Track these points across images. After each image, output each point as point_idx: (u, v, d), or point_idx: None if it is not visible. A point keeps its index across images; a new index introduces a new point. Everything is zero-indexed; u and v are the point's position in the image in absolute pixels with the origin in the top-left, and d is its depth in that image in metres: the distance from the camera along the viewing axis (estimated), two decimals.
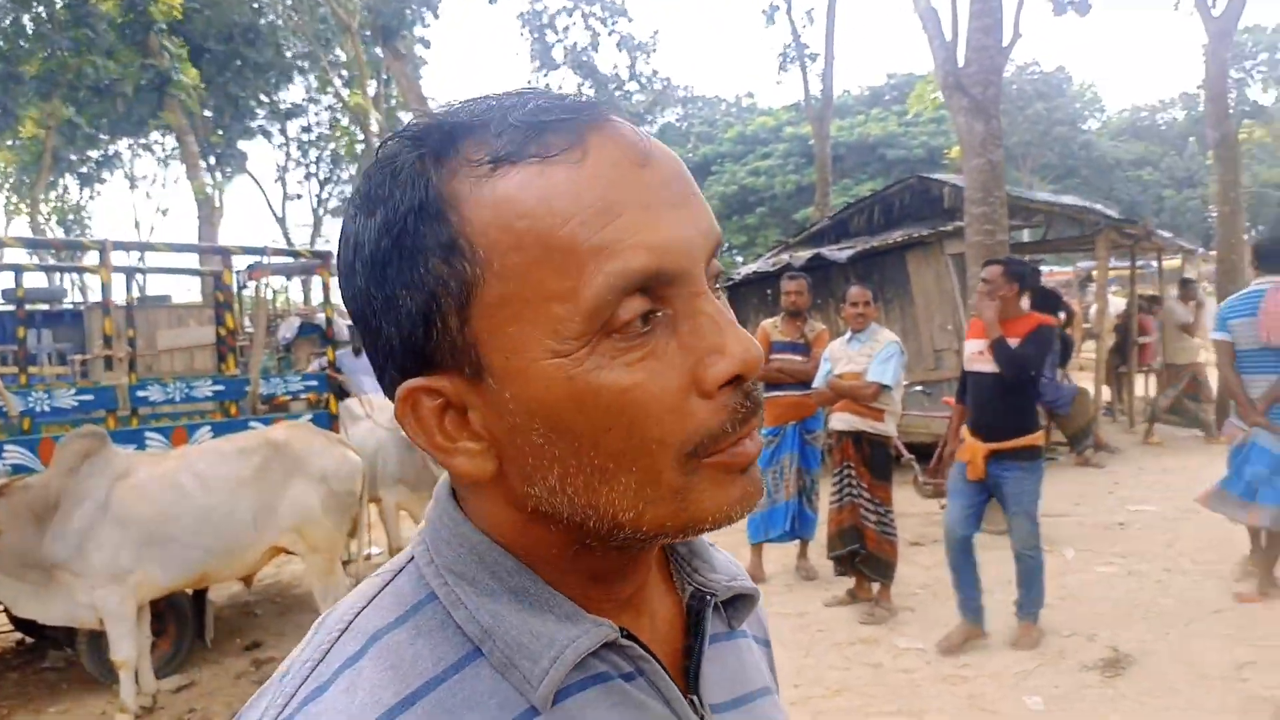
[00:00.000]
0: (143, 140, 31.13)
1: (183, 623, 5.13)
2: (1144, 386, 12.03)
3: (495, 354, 0.54)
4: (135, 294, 8.48)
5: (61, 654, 5.30)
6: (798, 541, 6.19)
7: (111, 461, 4.43)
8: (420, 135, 0.57)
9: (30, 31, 20.09)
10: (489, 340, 0.54)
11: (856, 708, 4.21)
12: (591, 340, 0.53)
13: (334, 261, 5.84)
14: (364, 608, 0.60)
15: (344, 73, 25.02)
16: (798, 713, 4.19)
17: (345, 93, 22.47)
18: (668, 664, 0.63)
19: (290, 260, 9.17)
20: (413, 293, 0.55)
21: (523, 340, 0.53)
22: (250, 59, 24.05)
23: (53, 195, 33.68)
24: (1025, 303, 10.35)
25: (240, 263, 7.48)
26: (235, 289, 7.50)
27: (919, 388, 8.82)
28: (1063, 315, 10.70)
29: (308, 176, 36.11)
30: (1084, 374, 12.10)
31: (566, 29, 27.76)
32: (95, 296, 16.28)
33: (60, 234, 33.13)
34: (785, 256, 11.03)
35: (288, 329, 12.04)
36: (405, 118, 26.57)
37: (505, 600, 0.58)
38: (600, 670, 0.60)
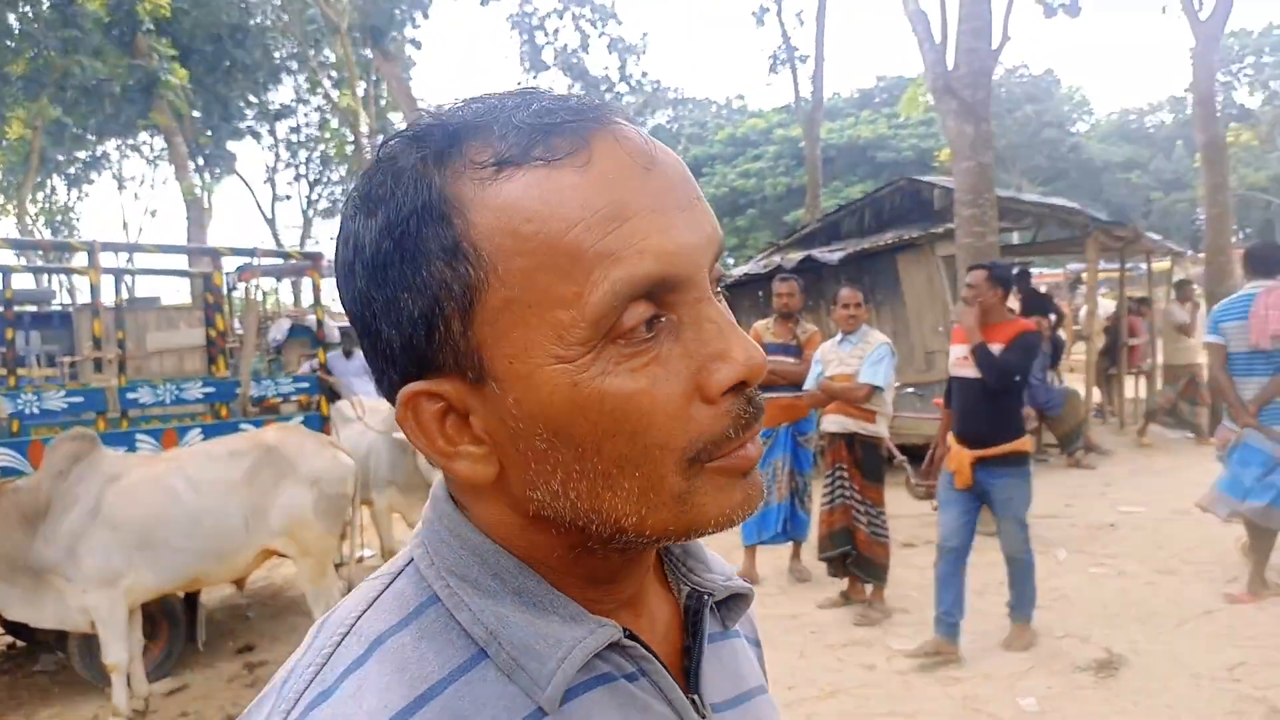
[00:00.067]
0: (131, 141, 31.03)
1: (174, 626, 5.10)
2: (1134, 388, 12.09)
3: (499, 358, 0.54)
4: (124, 296, 8.44)
5: (53, 658, 5.27)
6: (791, 543, 6.20)
7: (102, 464, 4.40)
8: (422, 135, 0.56)
9: (17, 31, 19.99)
10: (492, 345, 0.54)
11: (850, 709, 4.21)
12: (596, 346, 0.53)
13: (324, 263, 5.84)
14: (365, 611, 0.59)
15: (333, 74, 24.96)
16: (791, 714, 4.20)
17: (335, 94, 22.41)
18: (667, 664, 0.63)
19: (281, 262, 9.14)
20: (414, 296, 0.54)
21: (527, 345, 0.53)
22: (239, 59, 23.98)
23: (40, 196, 33.52)
24: (1017, 304, 10.40)
25: (230, 264, 7.44)
26: (225, 290, 7.46)
27: (910, 389, 8.84)
28: (1053, 317, 10.76)
29: (297, 178, 36.07)
30: (1074, 376, 12.16)
31: (557, 31, 27.74)
32: (84, 298, 16.21)
33: (48, 235, 32.97)
34: (777, 258, 11.05)
35: (278, 331, 12.00)
36: (395, 118, 26.57)
37: (508, 602, 0.58)
38: (604, 671, 0.60)
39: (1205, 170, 12.40)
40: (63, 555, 4.22)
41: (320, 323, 6.81)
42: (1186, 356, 10.20)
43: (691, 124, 46.66)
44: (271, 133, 33.70)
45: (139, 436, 5.35)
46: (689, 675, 0.66)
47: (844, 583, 5.63)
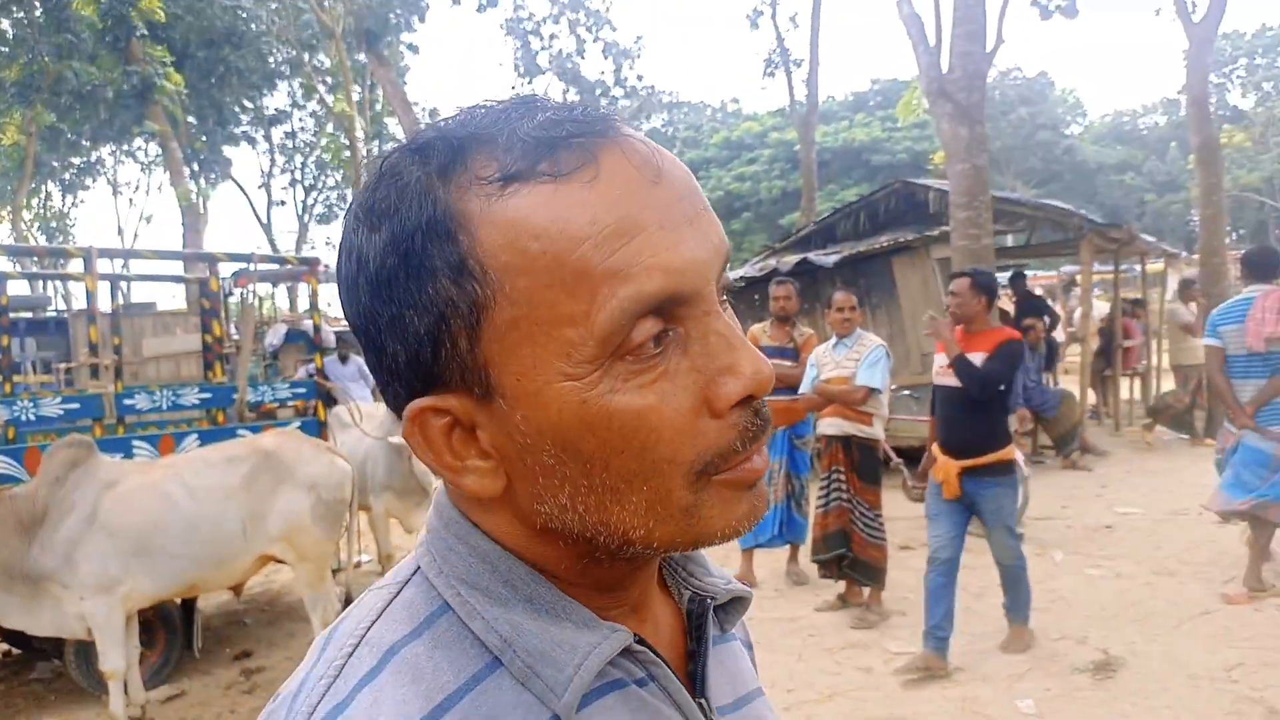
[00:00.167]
0: (126, 146, 30.98)
1: (172, 633, 5.09)
2: (1129, 390, 12.11)
3: (506, 376, 0.54)
4: (120, 301, 8.42)
5: (50, 665, 5.25)
6: (788, 546, 6.20)
7: (98, 471, 4.39)
8: (424, 148, 0.55)
9: (10, 36, 19.97)
10: (500, 362, 0.54)
11: (848, 712, 4.21)
12: (604, 364, 0.52)
13: (321, 268, 5.83)
14: (375, 621, 0.58)
15: (328, 79, 24.95)
16: (790, 717, 4.20)
17: (330, 99, 22.40)
18: (673, 669, 0.63)
19: (277, 267, 9.12)
20: (420, 313, 0.54)
21: (535, 363, 0.53)
22: (234, 65, 23.96)
23: (35, 202, 33.44)
24: (1012, 306, 10.42)
25: (227, 270, 7.43)
26: (222, 296, 7.45)
27: (906, 392, 8.85)
28: (1048, 319, 10.79)
29: (293, 183, 36.04)
30: (1069, 378, 12.19)
31: (553, 37, 27.76)
32: (79, 304, 16.18)
33: (43, 241, 32.90)
34: (772, 262, 11.07)
35: (274, 336, 11.99)
36: (390, 123, 26.58)
37: (520, 609, 0.58)
38: (616, 677, 0.59)
39: (1199, 172, 12.43)
40: (60, 562, 4.21)
41: (317, 328, 6.81)
42: (1193, 356, 10.17)
43: (686, 128, 46.73)
44: (267, 138, 33.71)
45: (136, 443, 5.34)
46: (694, 679, 0.66)
47: (841, 586, 5.64)
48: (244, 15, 23.26)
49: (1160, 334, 13.00)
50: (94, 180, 34.68)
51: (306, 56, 23.84)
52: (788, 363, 5.85)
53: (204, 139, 26.93)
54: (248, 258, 6.73)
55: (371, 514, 6.31)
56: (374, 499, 6.20)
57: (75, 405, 5.43)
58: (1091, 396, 11.28)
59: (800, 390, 5.58)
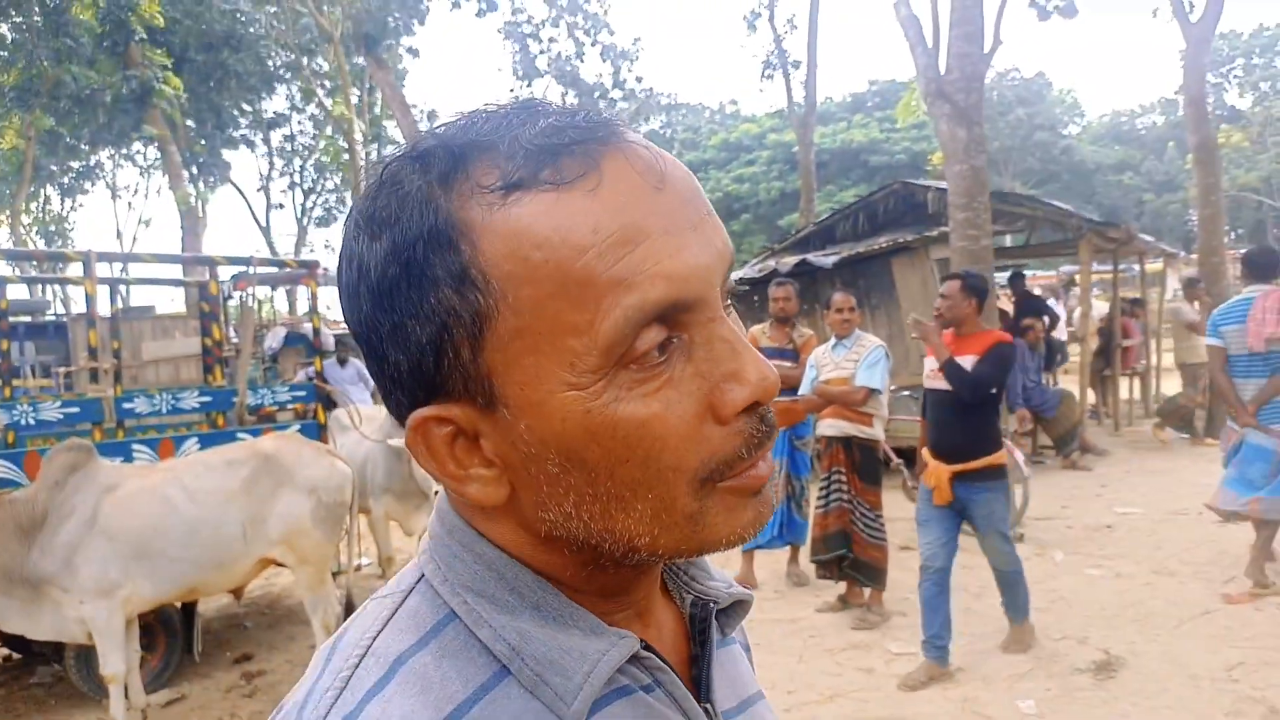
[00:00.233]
0: (125, 150, 30.99)
1: (172, 637, 5.08)
2: (1128, 389, 12.12)
3: (510, 385, 0.53)
4: (119, 305, 8.42)
5: (50, 669, 5.24)
6: (788, 547, 6.20)
7: (98, 475, 4.39)
8: (425, 155, 0.55)
9: (9, 41, 19.98)
10: (503, 372, 0.53)
11: (849, 713, 4.21)
12: (608, 373, 0.52)
13: (320, 271, 5.83)
14: (381, 630, 0.58)
15: (326, 83, 24.96)
16: (791, 718, 4.20)
17: (328, 102, 22.40)
18: (677, 671, 0.63)
19: (276, 270, 9.12)
20: (422, 322, 0.53)
21: (538, 372, 0.52)
22: (233, 68, 23.98)
23: (34, 206, 33.45)
24: (1011, 306, 10.41)
25: (226, 273, 7.43)
26: (221, 299, 7.45)
27: (906, 392, 8.85)
28: (1047, 319, 10.79)
29: (292, 186, 36.05)
30: (1069, 377, 12.19)
31: (551, 40, 27.78)
32: (78, 308, 16.19)
33: (41, 245, 32.89)
34: (772, 263, 11.08)
35: (274, 339, 12.00)
36: (389, 126, 26.58)
37: (528, 616, 0.57)
38: (623, 684, 0.59)
39: (1197, 171, 12.44)
40: (59, 566, 4.20)
41: (317, 331, 6.81)
42: (1198, 354, 10.14)
43: (685, 129, 46.76)
44: (266, 141, 33.73)
45: (135, 446, 5.34)
46: (698, 684, 0.66)
47: (841, 586, 5.64)
48: (242, 19, 23.28)
49: (1159, 333, 13.01)
50: (93, 184, 34.73)
51: (305, 60, 23.85)
52: (787, 364, 5.86)
53: (203, 142, 26.94)
54: (247, 261, 6.72)
55: (371, 517, 6.31)
56: (373, 502, 6.20)
57: (75, 409, 5.43)
58: (1091, 396, 11.29)
59: (800, 391, 5.58)
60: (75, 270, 6.13)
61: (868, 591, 5.46)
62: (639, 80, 29.52)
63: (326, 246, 37.57)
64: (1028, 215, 10.71)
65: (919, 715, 4.14)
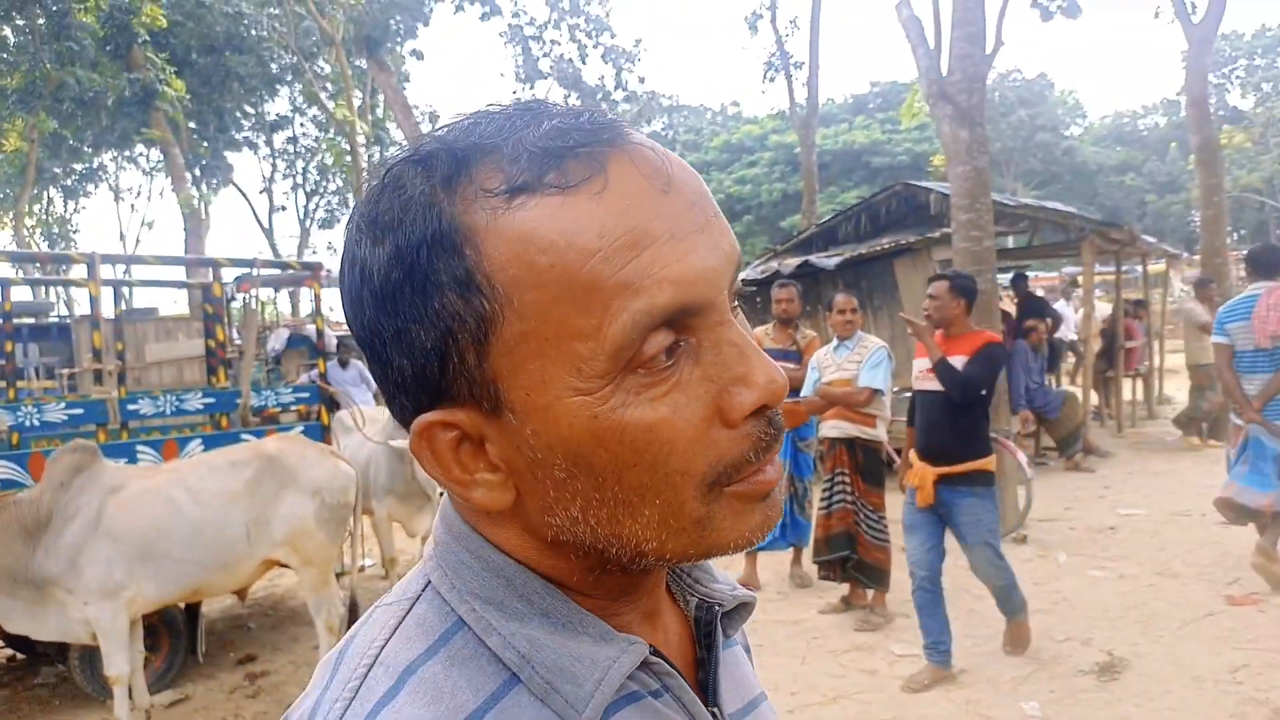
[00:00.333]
0: (127, 153, 31.04)
1: (176, 637, 5.09)
2: (1131, 391, 12.11)
3: (516, 390, 0.53)
4: (123, 307, 8.42)
5: (54, 670, 5.26)
6: (791, 549, 6.20)
7: (102, 476, 4.40)
8: (428, 159, 0.54)
9: (12, 44, 20.02)
10: (509, 376, 0.53)
11: (852, 715, 4.21)
12: (615, 378, 0.52)
13: (323, 273, 5.83)
14: (389, 639, 0.57)
15: (328, 85, 24.98)
16: None
17: (331, 105, 22.41)
18: (684, 675, 0.63)
19: (279, 272, 9.13)
20: (426, 327, 0.53)
21: (544, 377, 0.52)
22: (235, 70, 24.01)
23: (37, 208, 33.50)
24: (1013, 308, 10.40)
25: (229, 275, 7.45)
26: (224, 301, 7.46)
27: (909, 394, 8.85)
28: (1049, 321, 10.78)
29: (294, 188, 36.07)
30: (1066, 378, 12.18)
31: (554, 43, 27.79)
32: (82, 310, 16.20)
33: (44, 247, 32.93)
34: (774, 264, 11.08)
35: (277, 341, 12.00)
36: (392, 128, 26.59)
37: (537, 624, 0.57)
38: (632, 689, 0.59)
39: (1199, 172, 12.43)
40: (64, 567, 4.21)
41: (320, 332, 6.82)
42: (1209, 355, 10.09)
43: (686, 131, 46.76)
44: (268, 143, 33.75)
45: (139, 448, 5.35)
46: (705, 688, 0.66)
47: (845, 588, 5.63)
48: (245, 21, 23.30)
49: (1162, 335, 12.98)
50: (96, 186, 34.79)
51: (307, 63, 23.86)
52: (791, 365, 5.86)
53: (205, 145, 26.95)
54: (250, 263, 6.73)
55: (374, 518, 6.31)
56: (376, 503, 6.21)
57: (79, 410, 5.44)
58: (1094, 398, 11.28)
59: (802, 393, 5.58)
60: (79, 272, 6.15)
61: (871, 593, 5.46)
62: (641, 81, 29.52)
63: (329, 248, 37.60)
64: (1030, 216, 10.71)
65: (922, 717, 4.14)
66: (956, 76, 7.95)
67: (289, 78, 27.09)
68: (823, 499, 5.56)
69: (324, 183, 35.55)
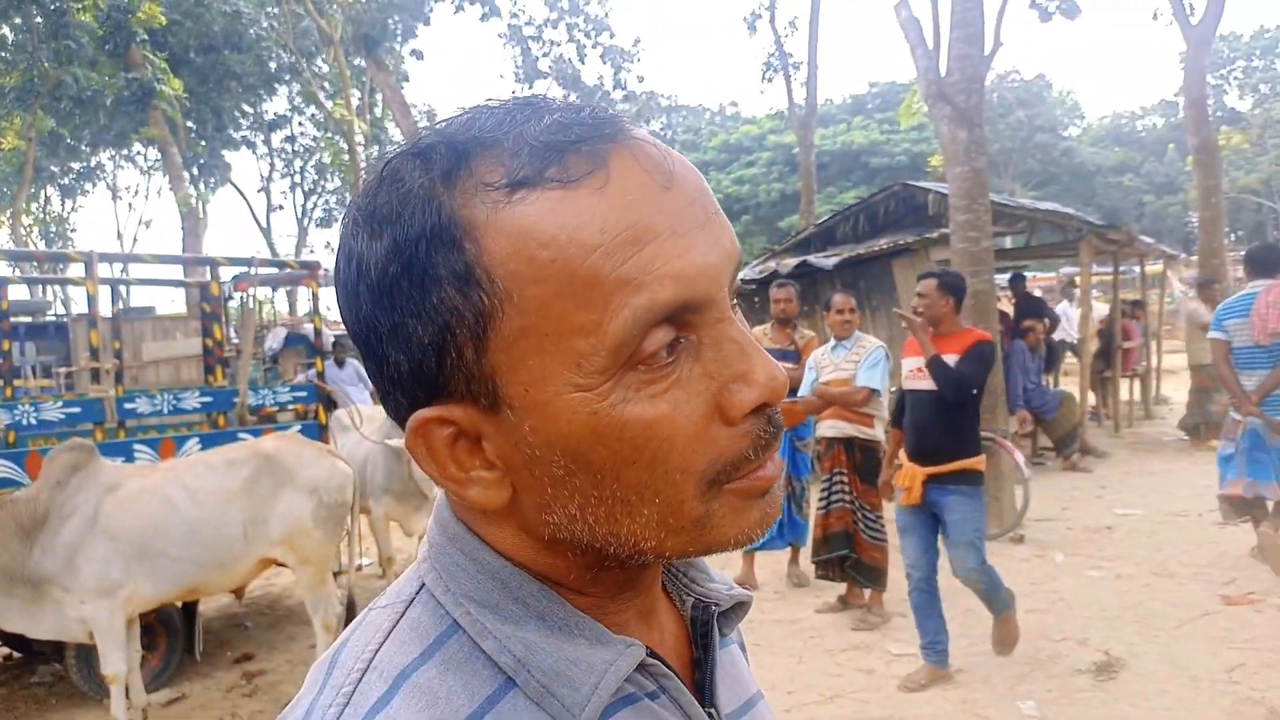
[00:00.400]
0: (125, 151, 31.02)
1: (172, 636, 5.09)
2: (1128, 391, 12.12)
3: (514, 386, 0.52)
4: (120, 305, 8.43)
5: (50, 669, 5.25)
6: (789, 548, 6.20)
7: (99, 475, 4.39)
8: (427, 152, 0.54)
9: (10, 42, 20.00)
10: (507, 372, 0.52)
11: (849, 714, 4.22)
12: (616, 374, 0.51)
13: (321, 272, 5.82)
14: (383, 643, 0.56)
15: (326, 85, 24.98)
16: (791, 719, 4.20)
17: (329, 104, 22.42)
18: (680, 676, 0.62)
19: (277, 271, 9.13)
20: (424, 322, 0.52)
21: (544, 373, 0.51)
22: (233, 69, 24.00)
23: (34, 207, 33.47)
24: (1012, 308, 10.40)
25: (227, 274, 7.44)
26: (222, 300, 7.46)
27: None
28: (1047, 321, 10.79)
29: (292, 187, 36.10)
30: (1068, 379, 12.20)
31: (554, 43, 27.81)
32: (79, 309, 16.20)
33: (42, 246, 32.90)
34: (772, 264, 11.09)
35: (274, 340, 12.01)
36: (390, 127, 26.60)
37: (532, 626, 0.56)
38: (629, 692, 0.58)
39: (1197, 173, 12.45)
40: (61, 566, 4.21)
41: (318, 331, 6.82)
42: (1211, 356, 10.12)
43: (685, 131, 46.78)
44: (266, 143, 33.77)
45: (136, 446, 5.35)
46: (701, 688, 0.66)
47: (842, 587, 5.64)
48: (243, 20, 23.29)
49: (1159, 335, 12.99)
50: (93, 185, 34.79)
51: (305, 62, 23.87)
52: (789, 365, 5.86)
53: (203, 143, 26.96)
54: (248, 262, 6.73)
55: (371, 517, 6.31)
56: (373, 502, 6.21)
57: (76, 409, 5.44)
58: (1091, 398, 11.29)
59: (799, 393, 5.59)
60: (76, 271, 6.14)
61: (868, 592, 5.46)
62: (640, 81, 29.55)
63: (327, 247, 37.60)
64: (1028, 217, 10.72)
65: (919, 716, 4.14)
66: (955, 77, 7.96)
67: (287, 77, 27.09)
68: (821, 499, 5.57)
69: (322, 182, 35.57)
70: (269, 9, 23.10)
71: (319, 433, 6.03)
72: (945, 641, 4.46)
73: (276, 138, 34.00)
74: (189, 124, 24.38)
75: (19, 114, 20.61)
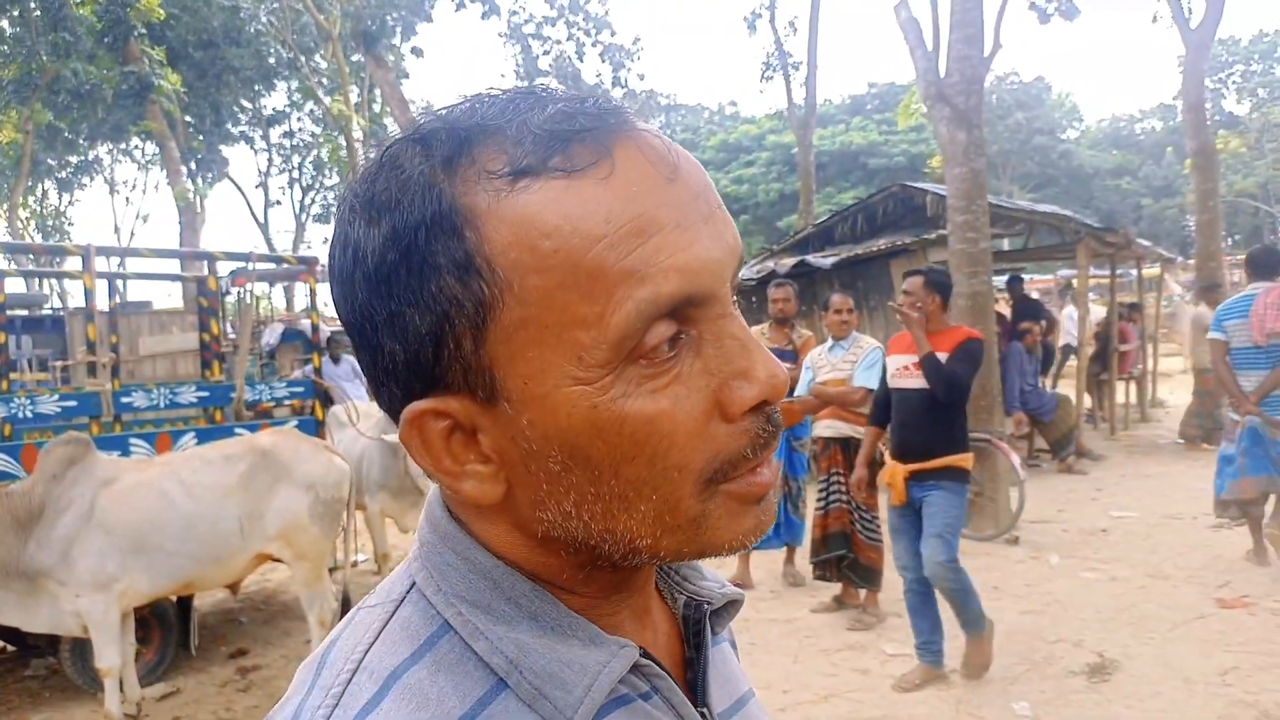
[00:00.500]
0: (123, 145, 30.97)
1: (167, 630, 5.08)
2: (1124, 394, 12.14)
3: (513, 378, 0.51)
4: (117, 300, 8.41)
5: (44, 662, 5.25)
6: (784, 548, 6.21)
7: (96, 468, 4.39)
8: (428, 138, 0.53)
9: (8, 35, 19.95)
10: (506, 364, 0.51)
11: (844, 713, 4.22)
12: (616, 367, 0.50)
13: (319, 267, 5.81)
14: (373, 644, 0.55)
15: (325, 80, 24.96)
16: (786, 718, 4.20)
17: (328, 100, 22.40)
18: (673, 676, 0.61)
19: (275, 266, 9.12)
20: (422, 311, 0.51)
21: (543, 365, 0.51)
22: (231, 64, 23.97)
23: (31, 200, 33.40)
24: (1008, 309, 10.40)
25: (224, 268, 7.44)
26: (219, 295, 7.45)
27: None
28: (1044, 323, 10.80)
29: (290, 183, 36.05)
30: (1065, 381, 12.21)
31: (556, 42, 27.81)
32: (75, 302, 16.17)
33: (38, 239, 32.85)
34: (770, 264, 11.09)
35: (271, 335, 11.99)
36: (389, 124, 26.57)
37: (525, 627, 0.56)
38: (621, 693, 0.58)
39: (1195, 177, 12.47)
40: (56, 559, 4.20)
41: (315, 327, 6.81)
42: None
43: (684, 130, 46.81)
44: (264, 138, 33.73)
45: (133, 441, 5.34)
46: (694, 687, 0.65)
47: (838, 587, 5.64)
48: (242, 15, 23.27)
49: (1156, 338, 13.00)
50: (91, 179, 34.66)
51: (303, 59, 23.85)
52: (787, 365, 5.84)
53: (201, 138, 26.92)
54: (245, 257, 6.73)
55: (367, 513, 6.31)
56: (369, 498, 6.21)
57: (72, 403, 5.43)
58: (1087, 401, 11.30)
59: (796, 393, 5.59)
60: (73, 264, 6.11)
61: (863, 592, 5.47)
62: (641, 79, 29.56)
63: (325, 243, 37.47)
64: (1026, 219, 10.73)
65: (914, 716, 4.14)
66: (954, 78, 7.97)
67: (285, 72, 27.07)
68: (819, 499, 5.57)
69: (320, 178, 35.54)
70: (268, 4, 23.08)
71: (316, 428, 6.02)
72: (940, 642, 4.45)
73: (275, 133, 33.98)
74: (187, 118, 24.34)
75: (16, 107, 20.56)
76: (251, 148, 33.76)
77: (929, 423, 4.30)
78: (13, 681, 5.18)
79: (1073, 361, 12.99)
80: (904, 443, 4.40)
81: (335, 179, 33.87)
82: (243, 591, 6.15)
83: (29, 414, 5.19)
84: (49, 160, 28.59)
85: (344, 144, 22.52)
